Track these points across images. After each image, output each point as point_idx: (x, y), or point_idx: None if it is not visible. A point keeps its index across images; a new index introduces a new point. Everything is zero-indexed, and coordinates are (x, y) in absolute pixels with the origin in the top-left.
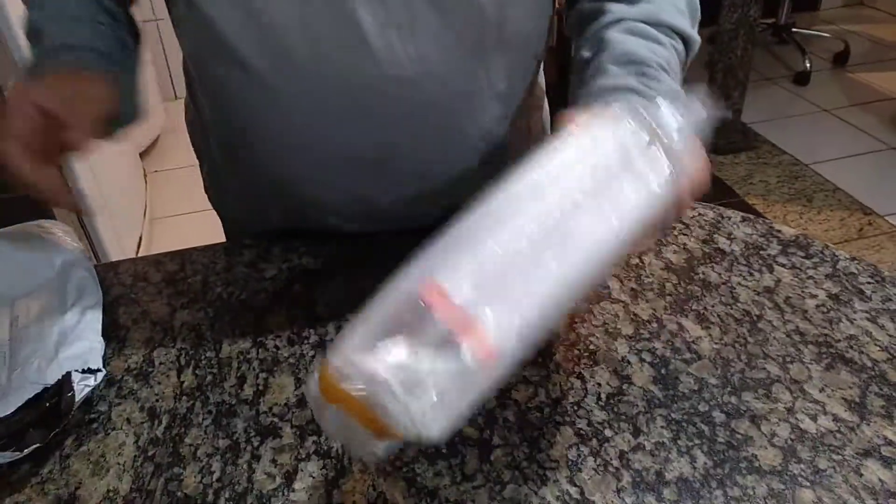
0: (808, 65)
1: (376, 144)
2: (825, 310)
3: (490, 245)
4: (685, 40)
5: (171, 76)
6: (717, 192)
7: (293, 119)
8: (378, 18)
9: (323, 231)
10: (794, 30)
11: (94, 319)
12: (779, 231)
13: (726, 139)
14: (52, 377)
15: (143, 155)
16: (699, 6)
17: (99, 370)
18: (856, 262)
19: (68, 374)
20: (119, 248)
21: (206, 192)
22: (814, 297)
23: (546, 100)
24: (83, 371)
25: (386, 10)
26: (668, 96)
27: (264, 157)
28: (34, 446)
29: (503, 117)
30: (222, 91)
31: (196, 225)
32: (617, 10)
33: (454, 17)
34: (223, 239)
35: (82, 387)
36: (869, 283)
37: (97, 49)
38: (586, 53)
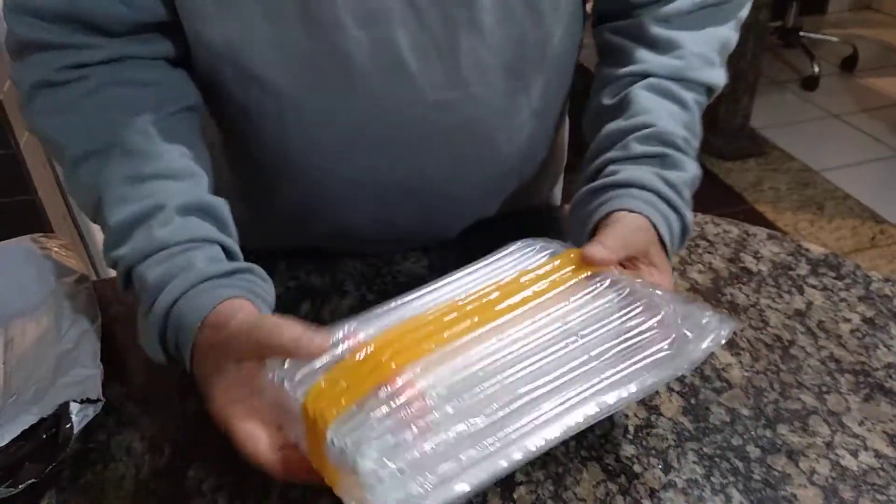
0: (816, 69)
1: (411, 169)
2: (860, 335)
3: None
4: (711, 89)
5: None
6: (727, 199)
7: (325, 146)
8: (417, 41)
9: (336, 251)
10: (801, 34)
11: (93, 342)
12: (807, 249)
13: (735, 144)
14: (49, 406)
15: None
16: (735, 38)
17: (98, 399)
18: (890, 283)
19: (66, 403)
20: None
21: None
22: (847, 321)
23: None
24: (81, 401)
25: (425, 32)
26: (686, 187)
27: (287, 184)
28: (30, 481)
29: (538, 133)
30: (245, 116)
31: None
32: (643, 58)
33: (495, 38)
34: None
35: (80, 417)
36: None
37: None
38: (606, 101)
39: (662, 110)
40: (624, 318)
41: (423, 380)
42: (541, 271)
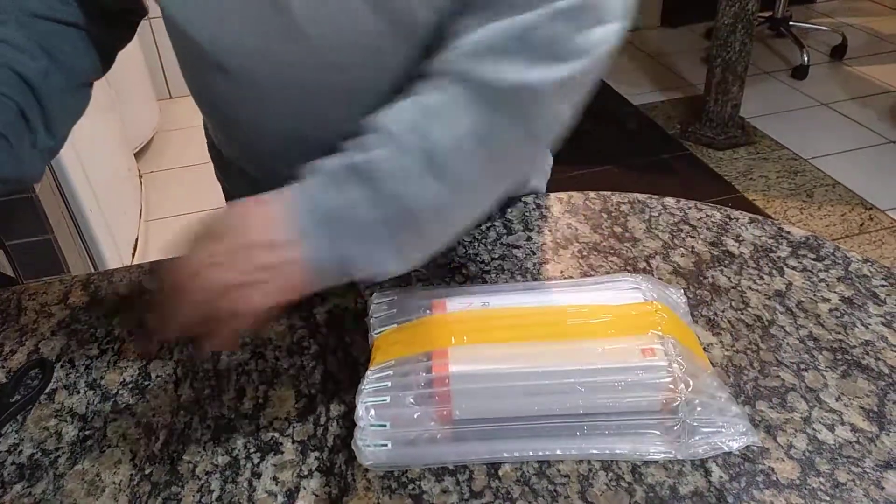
0: (805, 58)
1: (324, 123)
2: (839, 314)
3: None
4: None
5: (164, 75)
6: (718, 188)
7: (258, 109)
8: (310, 7)
9: None
10: (791, 23)
11: None
12: (788, 232)
13: (725, 134)
14: None
15: (137, 155)
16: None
17: None
18: (868, 263)
19: None
20: (115, 250)
21: (213, 162)
22: (826, 300)
23: None
24: None
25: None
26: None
27: (240, 142)
28: None
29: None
30: (201, 86)
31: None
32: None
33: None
34: None
35: None
36: (883, 285)
37: None
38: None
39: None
40: (646, 395)
41: (455, 365)
42: (619, 312)
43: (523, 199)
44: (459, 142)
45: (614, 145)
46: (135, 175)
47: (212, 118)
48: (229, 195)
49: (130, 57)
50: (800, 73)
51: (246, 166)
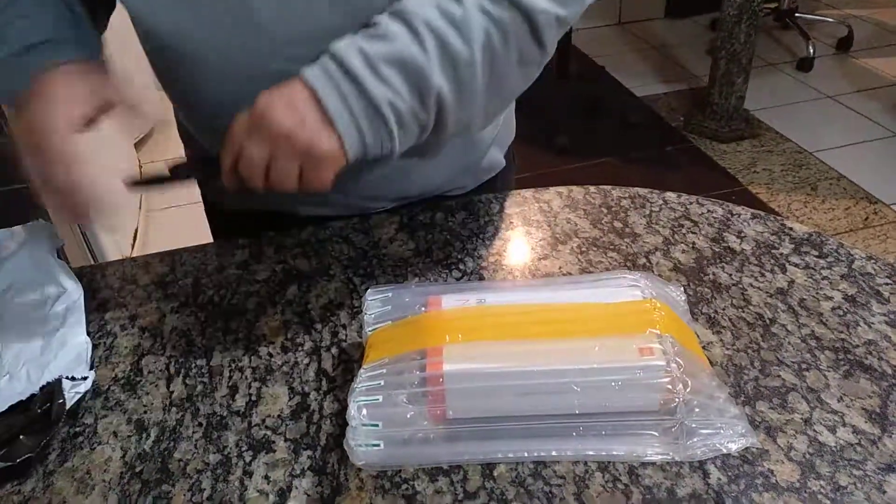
0: (811, 50)
1: None
2: (841, 313)
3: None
4: (525, 9)
5: None
6: (722, 181)
7: (207, 98)
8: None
9: (289, 216)
10: (797, 14)
11: (79, 316)
12: (791, 229)
13: (729, 126)
14: (41, 381)
15: (137, 146)
16: None
17: (85, 378)
18: (872, 261)
19: (59, 379)
20: (114, 242)
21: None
22: (829, 298)
23: None
24: (72, 378)
25: None
26: (383, 61)
27: (202, 126)
28: (25, 456)
29: None
30: (160, 73)
31: (192, 216)
32: None
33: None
34: (218, 231)
35: (72, 394)
36: (887, 283)
37: (72, 39)
38: None
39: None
40: (645, 392)
41: (449, 364)
42: (617, 310)
43: (522, 193)
44: (473, 53)
45: (617, 137)
46: (135, 166)
47: (175, 102)
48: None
49: (130, 48)
50: (805, 65)
51: (204, 141)
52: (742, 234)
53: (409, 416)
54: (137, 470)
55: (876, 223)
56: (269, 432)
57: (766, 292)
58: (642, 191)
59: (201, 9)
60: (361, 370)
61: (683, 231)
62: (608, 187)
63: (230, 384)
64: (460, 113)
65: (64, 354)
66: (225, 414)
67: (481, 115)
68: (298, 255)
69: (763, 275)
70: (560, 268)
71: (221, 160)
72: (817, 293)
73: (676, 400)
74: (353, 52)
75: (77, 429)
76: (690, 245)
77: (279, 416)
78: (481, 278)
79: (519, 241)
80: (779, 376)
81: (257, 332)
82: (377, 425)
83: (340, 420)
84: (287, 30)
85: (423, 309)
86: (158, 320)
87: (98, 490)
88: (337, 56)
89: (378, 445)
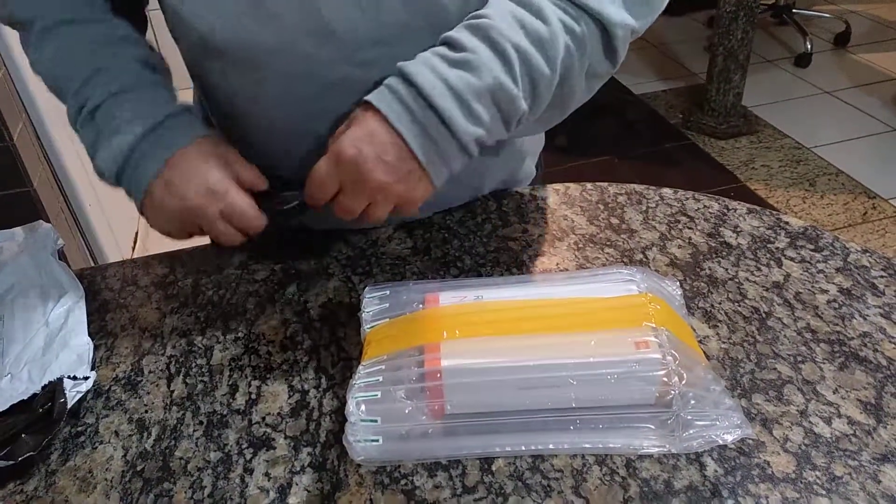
0: (808, 46)
1: (326, 116)
2: (837, 305)
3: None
4: (604, 24)
5: None
6: (720, 177)
7: (261, 102)
8: (340, 2)
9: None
10: (794, 10)
11: (80, 317)
12: (786, 223)
13: (727, 123)
14: (43, 381)
15: None
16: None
17: (86, 378)
18: (867, 254)
19: (60, 379)
20: (115, 243)
21: None
22: (825, 292)
23: None
24: (73, 378)
25: None
26: (472, 93)
27: (246, 141)
28: (27, 454)
29: None
30: (208, 80)
31: None
32: None
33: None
34: None
35: (74, 394)
36: (882, 276)
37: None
38: None
39: (506, 12)
40: (640, 387)
41: (447, 359)
42: (613, 304)
43: (519, 190)
44: (554, 74)
45: (615, 135)
46: None
47: (220, 111)
48: None
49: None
50: (803, 60)
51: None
52: (738, 229)
53: (407, 411)
54: (139, 468)
55: (874, 218)
56: (269, 430)
57: (762, 286)
58: (639, 187)
59: (265, 15)
60: (360, 367)
61: (680, 226)
62: (605, 184)
63: (230, 383)
64: (526, 125)
65: (65, 355)
66: (225, 412)
67: (540, 127)
68: (297, 255)
69: (759, 269)
70: (557, 264)
71: (308, 196)
72: (813, 286)
73: (672, 392)
74: (440, 88)
75: (79, 428)
76: (687, 240)
77: (279, 413)
78: (479, 275)
79: (516, 238)
80: (775, 369)
81: (257, 331)
82: (376, 420)
83: (340, 417)
84: (356, 35)
85: (420, 306)
86: (158, 320)
87: (100, 489)
88: (423, 92)
89: (377, 441)
